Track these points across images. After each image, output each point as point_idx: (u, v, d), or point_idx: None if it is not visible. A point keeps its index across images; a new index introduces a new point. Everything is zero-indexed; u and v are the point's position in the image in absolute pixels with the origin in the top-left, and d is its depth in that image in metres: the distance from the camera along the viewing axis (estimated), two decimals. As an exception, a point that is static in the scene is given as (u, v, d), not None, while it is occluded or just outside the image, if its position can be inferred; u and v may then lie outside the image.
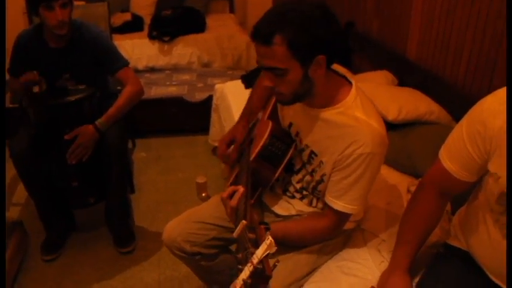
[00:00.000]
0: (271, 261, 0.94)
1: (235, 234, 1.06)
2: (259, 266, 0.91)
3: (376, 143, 1.29)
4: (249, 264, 0.93)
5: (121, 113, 2.31)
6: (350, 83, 1.37)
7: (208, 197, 2.75)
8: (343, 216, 1.40)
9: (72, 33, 2.27)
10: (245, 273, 0.93)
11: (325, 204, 1.41)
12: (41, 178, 2.26)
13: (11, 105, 3.44)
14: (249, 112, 1.74)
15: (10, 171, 3.04)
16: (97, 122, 2.21)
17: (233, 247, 1.74)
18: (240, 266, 0.96)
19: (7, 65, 2.47)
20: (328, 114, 1.35)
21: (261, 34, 1.19)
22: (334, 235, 1.51)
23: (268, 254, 0.92)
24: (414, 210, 1.34)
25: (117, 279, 2.25)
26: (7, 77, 2.60)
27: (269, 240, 0.91)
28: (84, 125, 2.18)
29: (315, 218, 1.46)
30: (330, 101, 1.34)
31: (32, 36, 2.32)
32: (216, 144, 3.12)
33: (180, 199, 2.83)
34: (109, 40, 2.43)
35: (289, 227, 1.45)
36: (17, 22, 4.74)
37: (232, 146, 1.70)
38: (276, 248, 0.91)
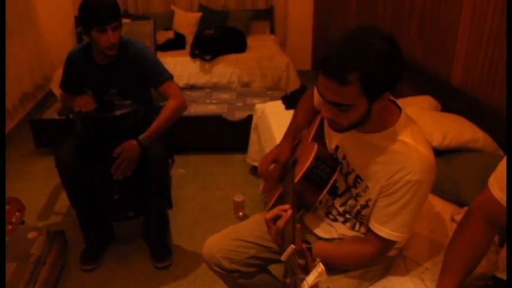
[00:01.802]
0: None
1: (283, 258, 1.05)
2: None
3: (425, 170, 1.27)
4: None
5: (164, 127, 2.33)
6: (400, 108, 1.36)
7: (245, 216, 2.77)
8: (388, 243, 1.38)
9: (119, 51, 2.34)
10: None
11: (369, 230, 1.39)
12: (84, 189, 2.32)
13: (58, 117, 3.57)
14: (293, 133, 1.74)
15: (53, 180, 3.16)
16: (140, 138, 2.25)
17: (272, 267, 1.74)
18: None
19: (58, 79, 2.58)
20: (377, 139, 1.34)
21: (335, 72, 1.15)
22: (377, 262, 1.49)
23: (318, 281, 0.91)
24: (460, 239, 1.31)
25: (152, 294, 2.27)
26: (59, 91, 2.71)
27: (320, 268, 0.90)
28: (128, 141, 2.23)
29: (359, 242, 1.44)
30: (380, 126, 1.33)
31: (81, 54, 2.40)
32: (255, 163, 3.16)
33: (217, 217, 2.84)
34: (154, 55, 2.48)
35: (332, 249, 1.43)
36: (66, 41, 4.98)
37: (274, 165, 1.70)
38: (326, 275, 0.90)
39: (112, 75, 2.38)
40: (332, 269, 1.43)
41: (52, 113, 3.82)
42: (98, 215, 2.45)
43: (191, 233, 2.69)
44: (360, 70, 1.14)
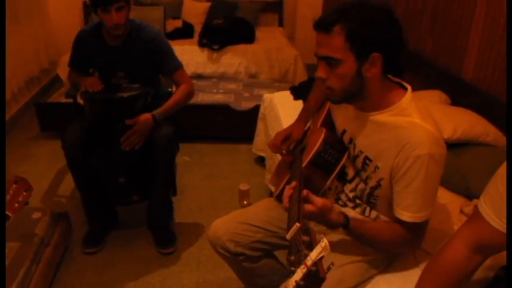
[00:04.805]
0: (326, 264, 0.92)
1: (288, 236, 1.05)
2: (313, 268, 0.89)
3: (432, 143, 1.24)
4: (302, 266, 0.90)
5: (175, 107, 2.38)
6: (405, 89, 1.35)
7: (250, 205, 2.75)
8: (416, 226, 1.33)
9: (130, 33, 2.32)
10: (298, 275, 0.90)
11: (396, 216, 1.34)
12: (89, 171, 2.31)
13: (63, 101, 3.56)
14: (306, 116, 1.74)
15: (57, 164, 3.15)
16: (155, 112, 2.27)
17: (277, 253, 1.72)
18: (292, 268, 0.94)
19: (65, 64, 2.55)
20: (381, 117, 1.32)
21: (322, 22, 1.24)
22: (414, 245, 1.43)
23: (322, 256, 0.89)
24: (439, 259, 1.15)
25: (155, 278, 2.25)
26: (65, 76, 2.69)
27: (324, 242, 0.89)
28: (142, 114, 2.23)
29: (393, 222, 1.37)
30: (383, 104, 1.32)
31: (91, 33, 2.38)
32: (260, 153, 3.15)
33: (222, 205, 2.83)
34: (167, 41, 2.46)
35: (368, 221, 1.41)
36: (74, 27, 4.95)
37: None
38: (329, 250, 0.89)
39: (121, 57, 2.36)
40: (362, 242, 1.39)
41: (57, 97, 3.82)
42: (103, 197, 2.44)
43: (195, 220, 2.67)
44: (345, 22, 1.21)
